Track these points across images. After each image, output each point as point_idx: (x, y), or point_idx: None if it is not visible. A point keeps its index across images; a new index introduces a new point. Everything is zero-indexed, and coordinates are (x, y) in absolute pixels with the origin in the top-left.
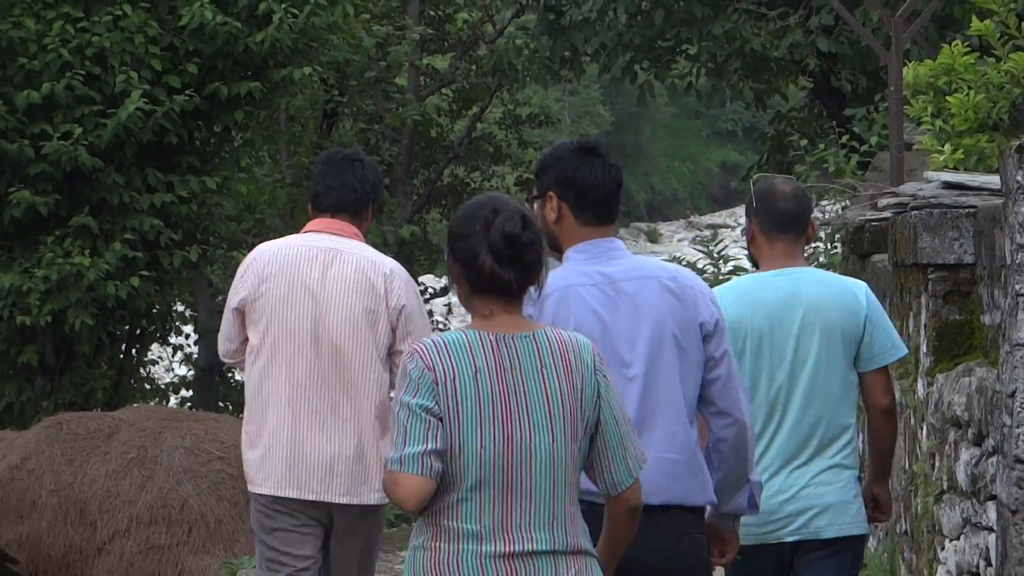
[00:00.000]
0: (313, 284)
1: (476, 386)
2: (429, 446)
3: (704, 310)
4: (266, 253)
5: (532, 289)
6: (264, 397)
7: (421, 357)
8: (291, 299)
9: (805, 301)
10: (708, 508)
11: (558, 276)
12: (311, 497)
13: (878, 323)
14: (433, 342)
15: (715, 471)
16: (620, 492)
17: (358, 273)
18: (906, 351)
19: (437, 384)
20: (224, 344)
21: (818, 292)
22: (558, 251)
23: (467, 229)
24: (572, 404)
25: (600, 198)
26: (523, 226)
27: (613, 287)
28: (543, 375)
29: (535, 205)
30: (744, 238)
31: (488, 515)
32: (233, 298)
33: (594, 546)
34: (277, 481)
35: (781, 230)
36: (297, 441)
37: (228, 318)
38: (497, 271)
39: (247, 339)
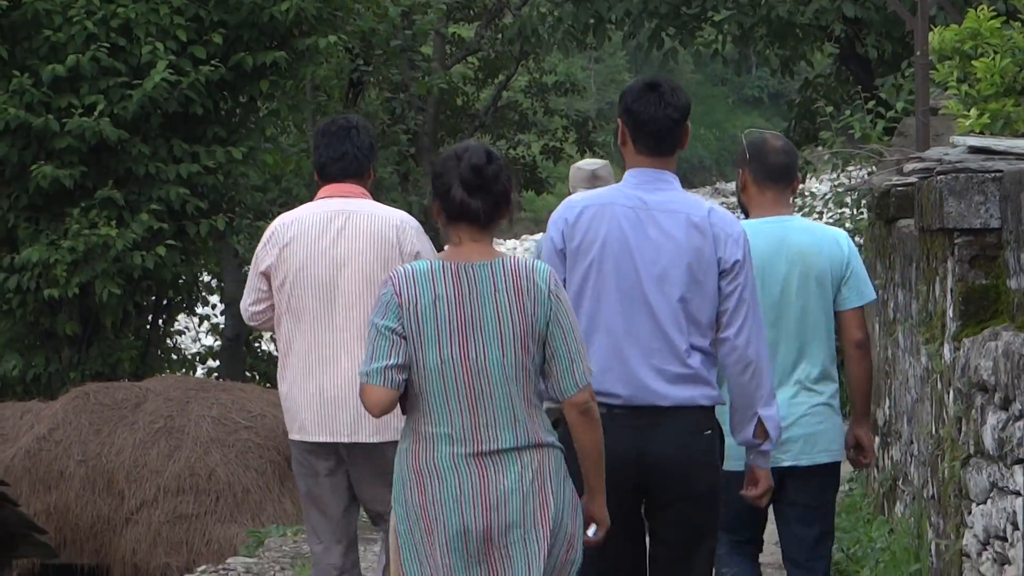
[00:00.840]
0: (329, 246)
1: (435, 310)
2: (391, 361)
3: (724, 249)
4: (286, 222)
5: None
6: (291, 354)
7: (392, 284)
8: (309, 263)
9: (792, 247)
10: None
11: (603, 193)
12: (344, 439)
13: (856, 268)
14: (403, 271)
15: (728, 396)
16: (568, 397)
17: (371, 228)
18: (875, 295)
19: (402, 308)
20: (248, 307)
21: (804, 239)
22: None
23: (443, 168)
24: (523, 322)
25: (652, 131)
26: (488, 160)
27: (647, 213)
28: (496, 298)
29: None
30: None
31: (457, 420)
32: (258, 265)
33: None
34: (307, 428)
35: (772, 180)
36: (322, 392)
37: (253, 283)
38: (466, 200)
39: (272, 304)
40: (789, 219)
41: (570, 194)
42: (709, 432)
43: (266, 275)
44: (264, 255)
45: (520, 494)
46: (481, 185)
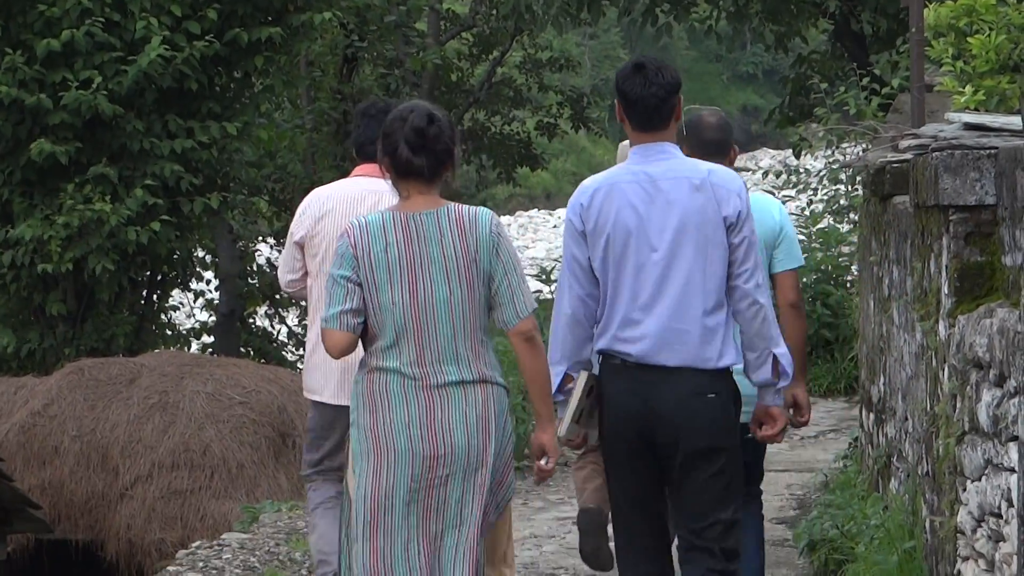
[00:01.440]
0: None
1: (387, 257)
2: (346, 306)
3: (728, 206)
4: (321, 196)
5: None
6: (319, 321)
7: (347, 236)
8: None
9: None
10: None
11: (609, 174)
12: None
13: (789, 234)
14: (357, 223)
15: (741, 338)
16: (512, 327)
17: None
18: (803, 262)
19: (357, 258)
20: (285, 275)
21: None
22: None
23: (390, 128)
24: (467, 262)
25: (641, 109)
26: (429, 121)
27: (652, 184)
28: (442, 242)
29: None
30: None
31: (406, 355)
32: (295, 234)
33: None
34: (332, 392)
35: (708, 154)
36: (344, 360)
37: (289, 251)
38: (412, 159)
39: (306, 273)
40: None
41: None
42: (713, 395)
43: (300, 245)
44: (298, 227)
45: (464, 427)
46: (424, 145)
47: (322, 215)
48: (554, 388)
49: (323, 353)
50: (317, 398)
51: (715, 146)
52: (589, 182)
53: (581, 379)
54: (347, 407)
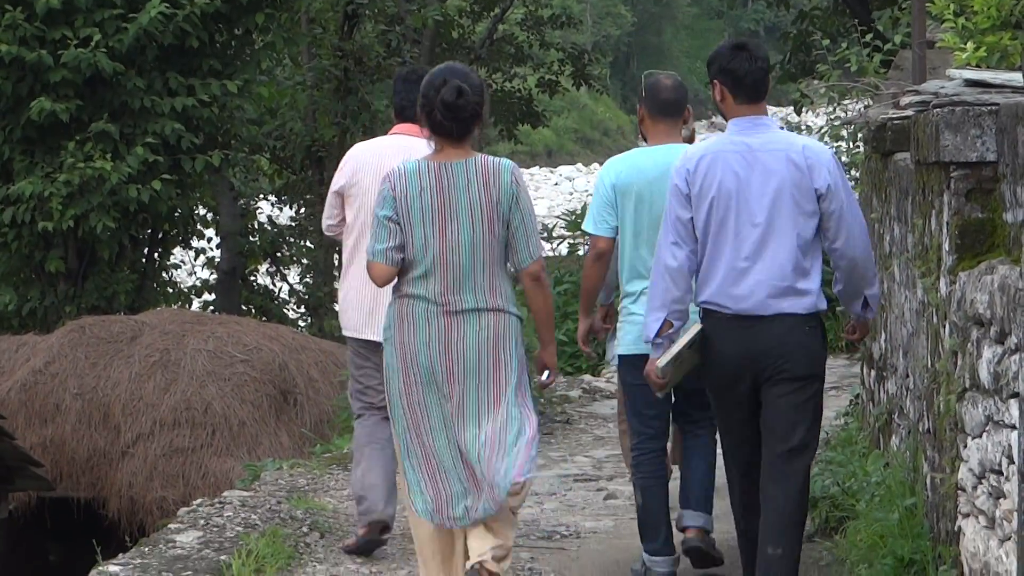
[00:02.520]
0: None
1: (420, 201)
2: (390, 244)
3: (819, 177)
4: (362, 149)
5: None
6: (353, 264)
7: (388, 181)
8: (374, 187)
9: None
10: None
11: (712, 143)
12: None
13: None
14: (397, 170)
15: (836, 285)
16: (524, 267)
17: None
18: None
19: (396, 200)
20: (326, 221)
21: None
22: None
23: (427, 91)
24: (489, 207)
25: (750, 83)
26: (458, 95)
27: (752, 154)
28: (468, 189)
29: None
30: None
31: (432, 285)
32: (335, 184)
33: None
34: (359, 327)
35: (663, 114)
36: (375, 299)
37: (331, 200)
38: (444, 123)
39: (344, 219)
40: (677, 146)
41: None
42: (808, 328)
43: (339, 195)
44: (339, 177)
45: (476, 347)
46: (455, 114)
47: (359, 168)
48: (652, 333)
49: (356, 294)
50: (355, 335)
51: (671, 106)
52: (694, 150)
53: (693, 329)
54: (379, 342)
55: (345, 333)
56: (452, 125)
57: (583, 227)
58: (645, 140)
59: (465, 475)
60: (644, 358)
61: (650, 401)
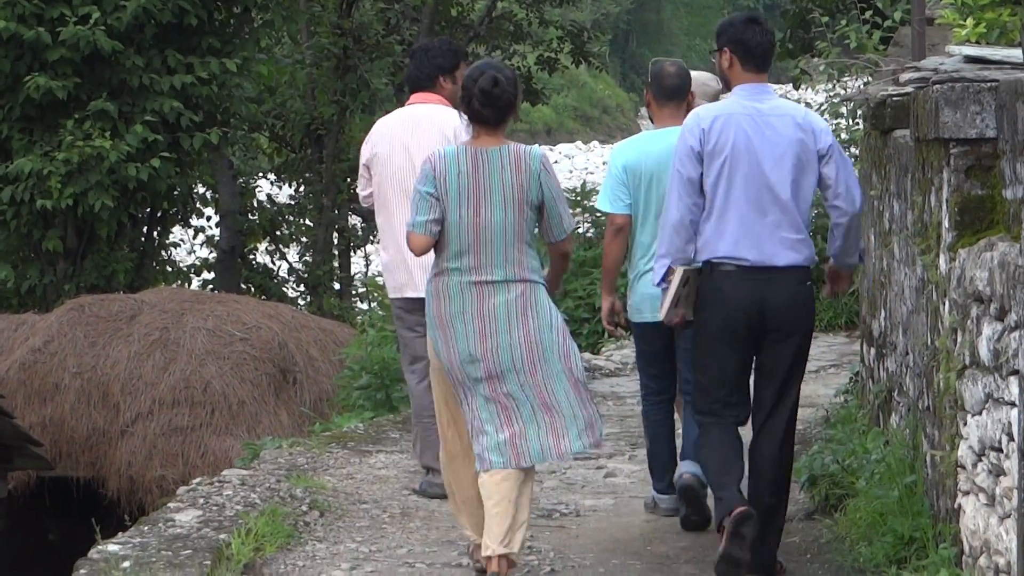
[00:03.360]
0: (408, 141)
1: (458, 182)
2: (429, 216)
3: (821, 141)
4: (381, 122)
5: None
6: (383, 229)
7: (430, 161)
8: (392, 155)
9: None
10: (831, 260)
11: (725, 105)
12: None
13: None
14: (438, 152)
15: (835, 240)
16: (555, 243)
17: (434, 126)
18: None
19: (436, 178)
20: (360, 192)
21: None
22: (728, 88)
23: (467, 83)
24: (519, 190)
25: (759, 53)
26: (494, 84)
27: (762, 118)
28: (501, 173)
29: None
30: None
31: (466, 260)
32: (362, 157)
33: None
34: (403, 287)
35: (667, 98)
36: (404, 257)
37: (361, 172)
38: (481, 111)
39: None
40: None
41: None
42: (809, 284)
43: (366, 166)
44: (364, 150)
45: (505, 311)
46: (490, 102)
47: (377, 140)
48: (659, 278)
49: (388, 258)
50: (397, 295)
51: (675, 91)
52: (706, 111)
53: (677, 273)
54: (412, 298)
55: (393, 296)
56: (489, 112)
57: (598, 206)
58: (652, 121)
59: (502, 431)
60: (653, 326)
61: (652, 361)
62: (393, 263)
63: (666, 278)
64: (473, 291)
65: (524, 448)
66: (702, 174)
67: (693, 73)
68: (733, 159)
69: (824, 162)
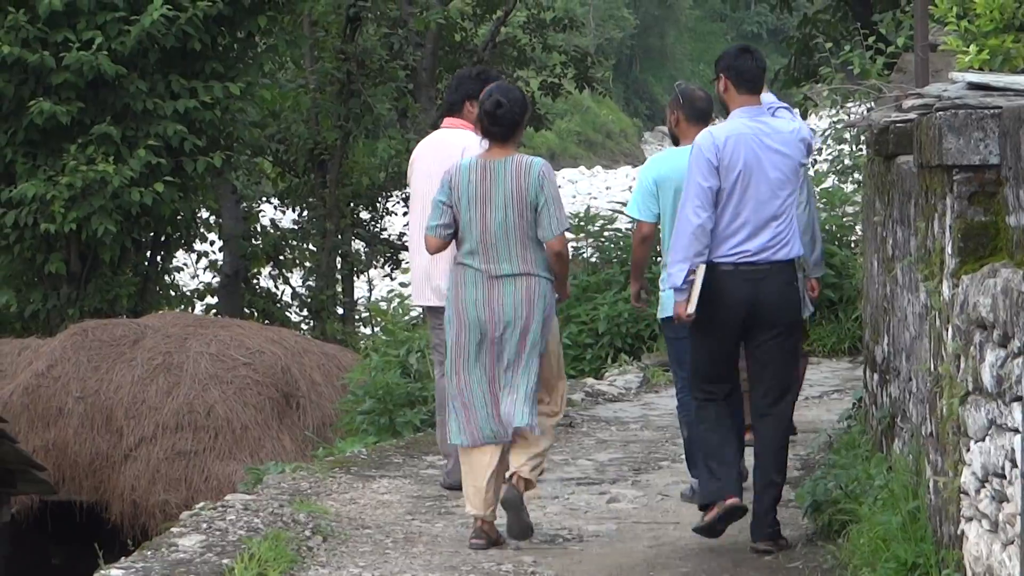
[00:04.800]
0: (431, 167)
1: (468, 190)
2: (441, 221)
3: (803, 154)
4: (416, 148)
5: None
6: (412, 241)
7: (448, 173)
8: (417, 181)
9: None
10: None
11: (734, 126)
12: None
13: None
14: (455, 165)
15: (809, 248)
16: (548, 241)
17: (455, 148)
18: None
19: (451, 188)
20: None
21: None
22: (726, 113)
23: (481, 104)
24: (520, 196)
25: (750, 79)
26: (497, 107)
27: (764, 136)
28: (506, 182)
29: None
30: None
31: (478, 257)
32: (408, 176)
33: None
34: (416, 295)
35: (698, 119)
36: (429, 268)
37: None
38: (489, 128)
39: None
40: None
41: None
42: (796, 282)
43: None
44: (409, 170)
45: (512, 303)
46: (496, 121)
47: (413, 160)
48: (680, 281)
49: (414, 268)
50: (417, 302)
51: (703, 113)
52: (719, 130)
53: (700, 271)
54: (431, 306)
55: (429, 303)
56: (496, 130)
57: (627, 211)
58: (675, 142)
59: (491, 406)
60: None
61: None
62: (417, 272)
63: (687, 279)
64: (484, 284)
65: (477, 435)
66: (719, 187)
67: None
68: (745, 173)
69: (802, 172)
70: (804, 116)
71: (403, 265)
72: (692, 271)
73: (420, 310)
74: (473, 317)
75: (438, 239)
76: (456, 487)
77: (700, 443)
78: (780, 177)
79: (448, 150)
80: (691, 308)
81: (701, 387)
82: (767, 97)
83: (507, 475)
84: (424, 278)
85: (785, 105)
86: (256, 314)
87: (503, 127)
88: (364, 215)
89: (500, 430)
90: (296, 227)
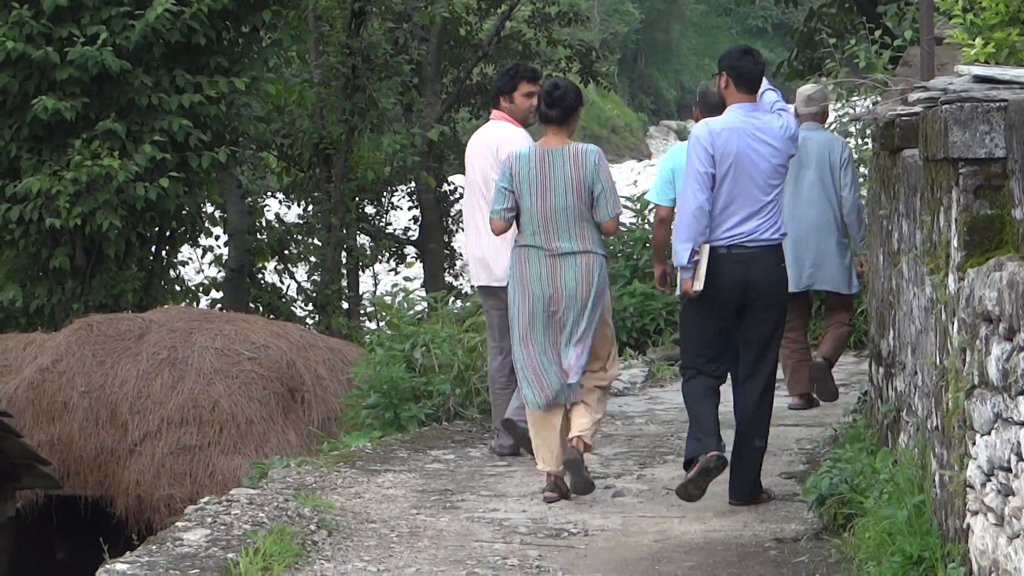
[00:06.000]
0: (472, 157)
1: (528, 175)
2: (505, 206)
3: (793, 146)
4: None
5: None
6: (467, 225)
7: (508, 160)
8: (470, 162)
9: None
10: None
11: (729, 119)
12: (495, 284)
13: None
14: (515, 153)
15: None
16: (604, 221)
17: (487, 138)
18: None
19: (512, 175)
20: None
21: None
22: (722, 109)
23: (540, 92)
24: (578, 181)
25: (749, 79)
26: (555, 87)
27: (755, 129)
28: (563, 167)
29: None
30: None
31: (539, 237)
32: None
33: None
34: (475, 278)
35: (711, 114)
36: (486, 251)
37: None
38: (547, 111)
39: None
40: None
41: (797, 111)
42: (782, 263)
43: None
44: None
45: (573, 278)
46: (553, 102)
47: (467, 151)
48: (685, 260)
49: (468, 251)
50: (473, 282)
51: (717, 108)
52: (716, 124)
53: (704, 250)
54: (483, 286)
55: (491, 284)
56: (553, 112)
57: (648, 197)
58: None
59: (559, 371)
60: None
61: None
62: (471, 259)
63: (692, 258)
64: (546, 261)
65: (550, 396)
66: (715, 172)
67: (802, 89)
68: (737, 161)
69: (787, 162)
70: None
71: (408, 260)
72: (696, 251)
73: (425, 305)
74: (538, 292)
75: (502, 222)
76: (505, 452)
77: (689, 413)
78: (769, 167)
79: (485, 139)
80: (698, 285)
81: (692, 361)
82: (770, 96)
83: (568, 438)
84: (480, 261)
85: (786, 107)
86: (261, 309)
87: (559, 109)
88: (369, 210)
89: (568, 393)
90: (301, 222)
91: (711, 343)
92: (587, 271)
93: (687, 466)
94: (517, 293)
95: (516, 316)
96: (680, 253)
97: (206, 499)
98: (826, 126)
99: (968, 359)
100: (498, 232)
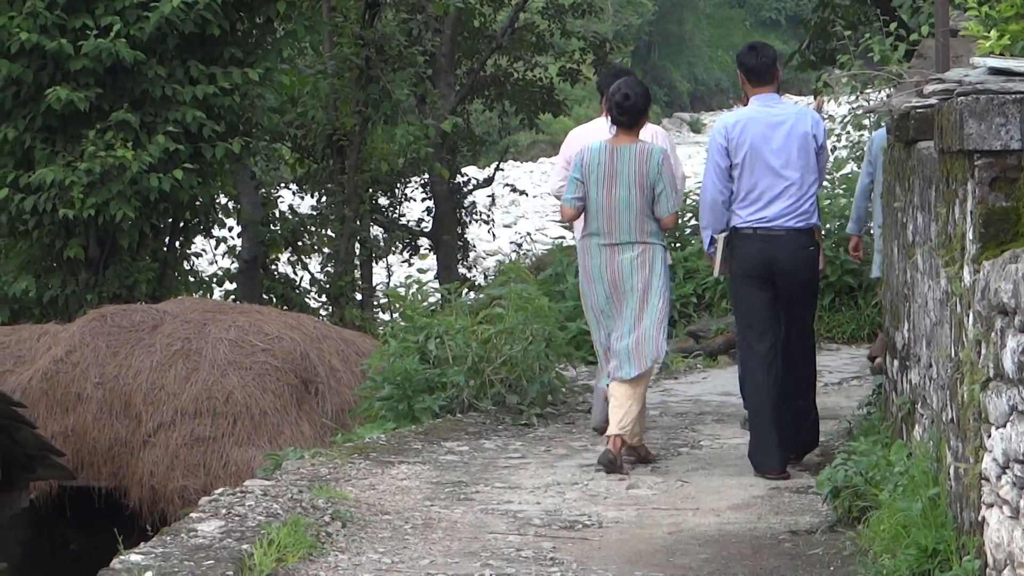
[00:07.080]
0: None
1: (598, 169)
2: (576, 194)
3: (820, 134)
4: (575, 129)
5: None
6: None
7: (581, 153)
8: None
9: None
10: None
11: (745, 111)
12: None
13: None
14: (587, 147)
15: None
16: (662, 218)
17: (587, 135)
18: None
19: (583, 166)
20: (557, 184)
21: None
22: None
23: (611, 95)
24: (642, 177)
25: (758, 72)
26: (625, 99)
27: (771, 119)
28: (629, 163)
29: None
30: None
31: (601, 227)
32: (563, 159)
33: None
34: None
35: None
36: None
37: (562, 165)
38: (617, 116)
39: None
40: None
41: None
42: (812, 248)
43: (568, 162)
44: (566, 150)
45: (630, 265)
46: (624, 111)
47: (572, 142)
48: (706, 245)
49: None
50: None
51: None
52: (731, 116)
53: (720, 239)
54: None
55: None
56: (623, 119)
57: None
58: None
59: (630, 349)
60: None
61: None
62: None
63: (712, 244)
64: (606, 251)
65: (619, 375)
66: (731, 164)
67: None
68: (752, 152)
69: (819, 150)
70: (821, 104)
71: (421, 251)
72: (714, 238)
73: (438, 296)
74: (598, 279)
75: (572, 209)
76: (601, 430)
77: (749, 412)
78: (788, 151)
79: (590, 134)
80: (716, 271)
81: (744, 334)
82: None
83: (608, 434)
84: None
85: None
86: (275, 300)
87: (630, 116)
88: (383, 201)
89: (634, 368)
90: (315, 213)
91: (757, 315)
92: (644, 260)
93: (757, 469)
94: (584, 281)
95: (588, 303)
96: (704, 240)
97: (220, 490)
98: (823, 115)
99: (983, 352)
100: (567, 219)
